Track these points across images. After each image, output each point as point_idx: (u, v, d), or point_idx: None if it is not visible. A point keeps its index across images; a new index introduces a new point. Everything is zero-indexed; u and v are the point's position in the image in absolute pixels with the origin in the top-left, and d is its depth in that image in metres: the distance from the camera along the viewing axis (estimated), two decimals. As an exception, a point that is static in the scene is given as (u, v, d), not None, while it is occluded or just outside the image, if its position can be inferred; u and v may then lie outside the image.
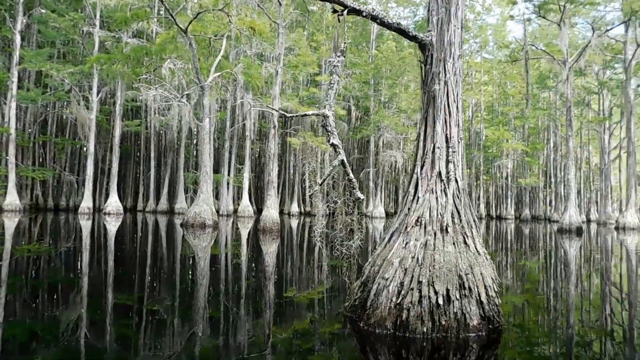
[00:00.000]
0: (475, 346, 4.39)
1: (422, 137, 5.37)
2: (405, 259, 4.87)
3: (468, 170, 52.04)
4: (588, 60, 26.28)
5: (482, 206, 50.25)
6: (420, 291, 4.66)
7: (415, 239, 4.96)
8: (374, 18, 5.12)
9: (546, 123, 49.75)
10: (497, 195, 54.95)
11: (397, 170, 47.71)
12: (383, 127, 41.75)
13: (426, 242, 4.92)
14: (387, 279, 4.84)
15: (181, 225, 20.11)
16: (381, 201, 43.62)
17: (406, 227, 5.10)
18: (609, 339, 5.11)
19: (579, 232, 25.36)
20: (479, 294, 4.74)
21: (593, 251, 15.76)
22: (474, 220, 5.22)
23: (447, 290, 4.65)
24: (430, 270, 4.74)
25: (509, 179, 50.76)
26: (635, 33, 26.31)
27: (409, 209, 5.24)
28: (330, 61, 4.99)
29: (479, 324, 4.64)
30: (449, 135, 5.24)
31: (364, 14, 5.07)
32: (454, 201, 5.11)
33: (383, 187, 45.21)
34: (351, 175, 5.04)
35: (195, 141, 43.90)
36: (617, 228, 32.07)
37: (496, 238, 20.62)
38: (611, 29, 27.11)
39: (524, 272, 10.25)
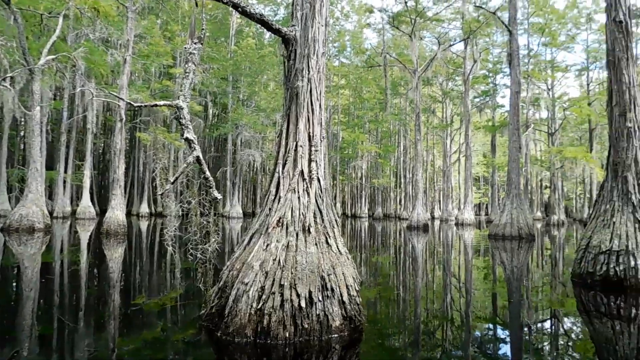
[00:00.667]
0: (337, 347, 4.44)
1: (284, 135, 5.30)
2: (267, 261, 4.75)
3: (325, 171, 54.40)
4: (434, 71, 29.39)
5: (338, 205, 52.99)
6: (282, 295, 4.56)
7: (277, 241, 4.87)
8: (236, 6, 4.89)
9: (397, 127, 54.37)
10: (352, 195, 58.43)
11: (255, 170, 47.85)
12: (241, 125, 41.45)
13: (288, 243, 4.85)
14: (247, 284, 4.65)
15: (1, 229, 17.38)
16: (239, 201, 43.29)
17: (267, 228, 4.97)
18: (450, 324, 5.63)
19: (425, 228, 28.10)
20: (341, 294, 4.82)
21: (436, 245, 17.57)
22: (335, 220, 5.32)
23: (310, 292, 4.64)
24: (292, 273, 4.68)
25: (363, 179, 54.28)
26: (472, 50, 30.19)
27: (270, 209, 5.12)
28: (186, 48, 4.64)
29: (342, 325, 4.72)
30: (311, 134, 5.25)
31: (225, 0, 4.82)
32: (316, 201, 5.14)
33: (241, 186, 44.91)
34: (207, 173, 4.75)
35: (22, 133, 38.58)
36: (456, 224, 36.36)
37: (352, 236, 21.83)
38: (454, 44, 30.74)
39: (378, 267, 10.93)
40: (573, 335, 5.49)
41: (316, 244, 4.93)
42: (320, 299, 4.67)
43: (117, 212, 18.22)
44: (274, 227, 4.93)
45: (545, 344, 5.10)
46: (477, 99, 43.88)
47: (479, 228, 33.04)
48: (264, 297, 4.56)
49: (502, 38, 38.42)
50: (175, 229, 4.71)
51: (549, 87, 38.43)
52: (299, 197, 5.07)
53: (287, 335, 4.42)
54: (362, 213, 53.82)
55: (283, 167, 5.20)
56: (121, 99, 4.47)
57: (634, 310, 6.68)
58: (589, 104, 34.12)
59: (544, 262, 13.09)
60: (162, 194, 4.52)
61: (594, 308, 6.92)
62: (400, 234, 24.26)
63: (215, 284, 5.18)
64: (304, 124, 5.22)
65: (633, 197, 8.22)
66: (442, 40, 29.43)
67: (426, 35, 37.22)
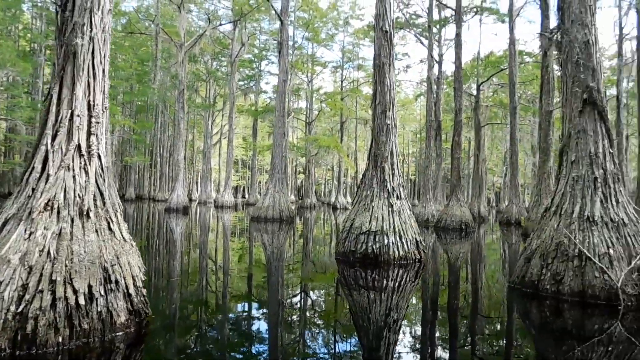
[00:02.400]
0: (121, 346, 4.07)
1: (54, 101, 4.52)
2: (30, 253, 4.00)
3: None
4: (202, 48, 29.02)
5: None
6: (53, 293, 3.93)
7: (45, 228, 4.15)
8: None
9: (155, 102, 51.88)
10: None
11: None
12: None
13: (61, 230, 4.19)
14: (0, 283, 3.85)
15: None
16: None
17: (30, 213, 4.19)
18: (206, 307, 5.81)
19: (185, 210, 27.80)
20: (126, 287, 4.42)
21: (203, 228, 17.63)
22: (118, 204, 4.84)
23: (90, 286, 4.12)
24: (67, 266, 4.07)
25: (114, 156, 50.30)
26: (241, 33, 30.93)
27: (33, 189, 4.32)
28: None
29: (127, 320, 4.34)
30: (92, 102, 4.62)
31: None
32: (96, 181, 4.57)
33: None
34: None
35: None
36: (216, 206, 37.05)
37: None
38: (224, 24, 30.92)
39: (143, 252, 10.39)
40: (333, 306, 6.28)
41: (97, 231, 4.40)
42: (103, 293, 4.21)
43: None
44: (40, 212, 4.18)
45: (312, 315, 5.71)
46: (242, 82, 45.28)
47: (237, 210, 34.46)
48: (27, 297, 3.84)
49: (270, 26, 40.56)
50: None
51: (309, 79, 42.40)
52: (74, 176, 4.42)
53: (60, 340, 3.85)
54: (112, 194, 49.81)
55: (53, 140, 4.44)
56: None
57: (385, 281, 8.02)
58: (342, 99, 38.98)
59: (308, 243, 14.51)
60: None
61: (353, 281, 8.06)
62: (158, 217, 23.44)
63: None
64: (83, 90, 4.56)
65: (388, 184, 9.82)
66: (211, 17, 29.31)
67: (194, 10, 36.49)
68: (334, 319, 5.71)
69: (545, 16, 17.89)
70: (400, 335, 5.02)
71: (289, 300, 6.58)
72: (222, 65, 43.21)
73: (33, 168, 4.40)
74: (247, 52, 39.58)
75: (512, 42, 25.50)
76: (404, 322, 5.62)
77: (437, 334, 5.22)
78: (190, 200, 51.64)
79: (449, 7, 23.81)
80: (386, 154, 10.02)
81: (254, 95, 44.20)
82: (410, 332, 5.23)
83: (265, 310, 5.90)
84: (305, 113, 42.70)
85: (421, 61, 39.88)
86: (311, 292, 7.33)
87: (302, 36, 39.33)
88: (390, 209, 9.84)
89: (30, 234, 4.10)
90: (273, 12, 35.95)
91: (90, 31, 4.60)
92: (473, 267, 10.79)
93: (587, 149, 7.10)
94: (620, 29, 26.25)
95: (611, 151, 7.16)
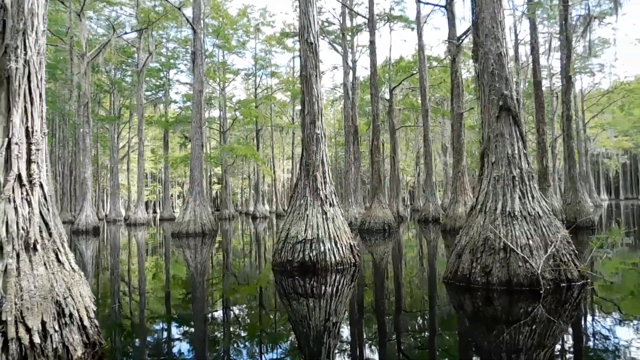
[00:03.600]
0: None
1: (-12, 129, 4.32)
2: (-24, 294, 3.81)
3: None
4: (106, 58, 27.77)
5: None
6: (4, 334, 3.77)
7: (-10, 265, 3.96)
8: None
9: (52, 115, 48.63)
10: None
11: None
12: None
13: (6, 267, 4.02)
14: (-54, 329, 3.63)
15: None
16: None
17: (-29, 251, 3.98)
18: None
19: (96, 231, 26.38)
20: (80, 319, 4.31)
21: (111, 249, 16.89)
22: (64, 233, 4.69)
23: (44, 322, 3.98)
24: (17, 304, 3.91)
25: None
26: (147, 42, 29.99)
27: (-29, 225, 4.10)
28: None
29: (84, 354, 4.23)
30: (30, 129, 4.46)
31: None
32: (40, 211, 4.41)
33: None
34: None
35: None
36: (128, 224, 35.48)
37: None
38: (130, 32, 29.76)
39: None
40: (275, 315, 6.48)
41: (45, 264, 4.25)
42: (57, 328, 4.08)
43: None
44: (-18, 249, 3.98)
45: (258, 325, 5.87)
46: (149, 93, 43.77)
47: (151, 226, 33.30)
48: (-25, 342, 3.67)
49: (177, 33, 39.62)
50: None
51: (222, 87, 41.93)
52: (16, 208, 4.23)
53: (18, 382, 3.70)
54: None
55: (-11, 171, 4.24)
56: None
57: (323, 287, 8.31)
58: (257, 107, 39.00)
59: (240, 255, 14.46)
60: None
61: (292, 290, 8.27)
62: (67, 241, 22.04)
63: None
64: (20, 116, 4.38)
65: (321, 192, 10.16)
66: (115, 25, 28.13)
67: (93, 17, 34.75)
68: (278, 327, 5.89)
69: (451, 25, 19.31)
70: (350, 337, 5.33)
71: (235, 313, 6.66)
72: (127, 75, 41.53)
73: (-32, 202, 4.17)
74: (154, 61, 38.40)
75: (421, 48, 27.12)
76: (349, 324, 5.95)
77: (382, 332, 5.59)
78: (99, 219, 48.88)
79: (361, 15, 24.86)
80: (317, 162, 10.36)
81: (164, 106, 42.89)
82: (357, 333, 5.55)
83: (210, 326, 5.95)
84: (219, 122, 42.15)
85: (335, 67, 41.04)
86: (254, 304, 7.45)
87: (213, 44, 38.89)
88: (324, 217, 10.18)
89: (-28, 273, 3.89)
90: (181, 19, 35.32)
91: (25, 54, 4.44)
92: (405, 265, 11.42)
93: (505, 151, 7.91)
94: (516, 35, 28.92)
95: (525, 152, 8.03)
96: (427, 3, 22.34)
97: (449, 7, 19.74)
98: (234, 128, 44.90)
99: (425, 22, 27.09)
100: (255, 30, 41.83)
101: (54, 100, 44.94)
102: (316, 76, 10.54)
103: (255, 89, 44.38)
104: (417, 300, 7.56)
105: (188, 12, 24.51)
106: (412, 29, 28.72)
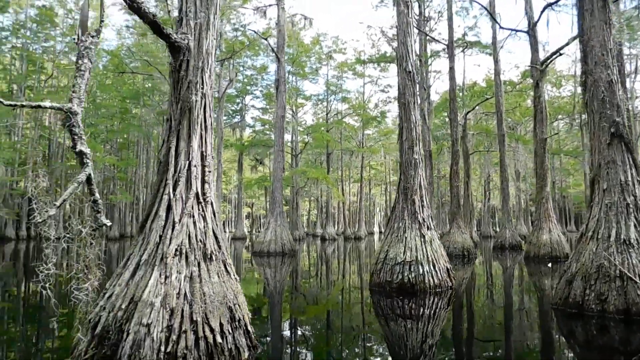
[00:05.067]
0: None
1: (172, 153, 4.93)
2: (169, 296, 4.35)
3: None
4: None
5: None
6: (195, 332, 4.27)
7: (178, 272, 4.51)
8: (133, 0, 4.41)
9: (136, 138, 51.84)
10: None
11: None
12: None
13: (191, 274, 4.56)
14: (148, 325, 4.17)
15: None
16: None
17: (162, 258, 4.55)
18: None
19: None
20: (245, 324, 4.78)
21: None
22: (227, 246, 5.21)
23: (221, 325, 4.47)
24: (201, 307, 4.42)
25: (102, 195, 49.69)
26: (229, 70, 31.67)
27: (160, 236, 4.69)
28: (81, 42, 3.94)
29: (249, 356, 4.67)
30: (205, 153, 5.06)
31: (122, -9, 4.29)
32: (212, 226, 4.96)
33: None
34: (97, 195, 4.11)
35: None
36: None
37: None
38: (218, 61, 31.55)
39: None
40: (388, 334, 6.68)
41: (218, 273, 4.77)
42: (230, 331, 4.55)
43: None
44: (172, 257, 4.54)
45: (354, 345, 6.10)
46: (225, 117, 45.76)
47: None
48: (173, 337, 4.18)
49: (253, 62, 41.41)
50: (54, 265, 3.84)
51: (294, 112, 43.23)
52: (195, 222, 4.80)
53: (206, 376, 4.18)
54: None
55: (174, 189, 4.84)
56: (1, 101, 3.42)
57: (421, 309, 8.43)
58: (327, 131, 39.84)
59: (333, 275, 14.81)
60: (42, 222, 3.67)
61: (390, 310, 8.44)
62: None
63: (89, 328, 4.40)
64: (198, 142, 4.99)
65: (419, 215, 10.36)
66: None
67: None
68: (378, 345, 6.10)
69: (534, 50, 19.12)
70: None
71: (345, 325, 6.94)
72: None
73: (158, 215, 4.77)
74: (232, 88, 40.25)
75: (497, 73, 26.86)
76: (452, 348, 6.06)
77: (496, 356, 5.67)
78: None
79: (440, 42, 25.08)
80: (415, 187, 10.60)
81: (239, 130, 44.65)
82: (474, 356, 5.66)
83: (330, 336, 6.27)
84: (291, 146, 43.31)
85: None
86: (356, 320, 7.69)
87: (288, 71, 40.33)
88: (422, 239, 10.35)
89: (165, 278, 4.44)
90: (258, 48, 36.99)
91: (202, 88, 5.07)
92: (503, 291, 11.28)
93: (618, 177, 7.81)
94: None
95: (638, 179, 7.89)
96: (509, 29, 22.19)
97: (531, 33, 19.58)
98: (305, 151, 45.92)
99: (501, 46, 26.87)
100: (328, 57, 42.95)
101: (139, 124, 48.02)
102: (414, 103, 10.86)
103: (327, 114, 45.33)
104: (526, 327, 7.52)
105: (271, 41, 25.69)
106: (488, 54, 28.54)
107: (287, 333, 6.84)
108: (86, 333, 4.30)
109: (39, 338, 6.27)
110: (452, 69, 22.20)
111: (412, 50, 11.12)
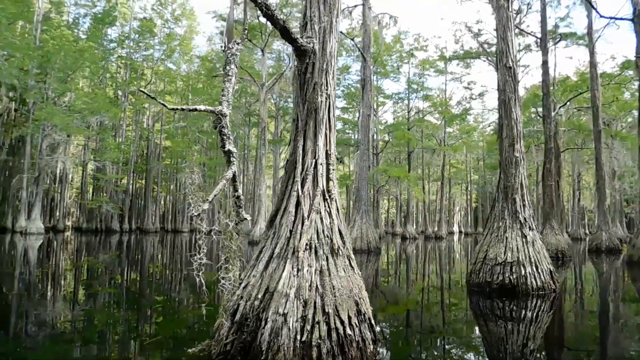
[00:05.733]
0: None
1: (300, 152, 5.12)
2: (302, 288, 4.52)
3: (143, 182, 51.13)
4: (281, 87, 30.39)
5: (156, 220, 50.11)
6: (328, 324, 4.41)
7: (309, 265, 4.67)
8: (267, 8, 4.62)
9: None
10: (176, 209, 55.71)
11: (58, 179, 42.47)
12: (48, 126, 36.33)
13: (321, 268, 4.71)
14: (285, 314, 4.36)
15: None
16: (40, 214, 37.70)
17: (293, 252, 4.73)
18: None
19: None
20: (369, 317, 4.86)
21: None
22: (350, 242, 5.32)
23: (349, 318, 4.58)
24: (332, 299, 4.56)
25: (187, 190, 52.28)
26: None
27: (290, 231, 4.88)
28: (228, 48, 4.20)
29: (374, 349, 4.75)
30: (329, 151, 5.20)
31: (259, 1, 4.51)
32: (337, 222, 5.09)
33: (41, 196, 39.23)
34: (239, 191, 4.35)
35: None
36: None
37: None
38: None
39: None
40: (479, 336, 6.45)
41: (343, 268, 4.88)
42: (357, 324, 4.64)
43: None
44: (303, 251, 4.72)
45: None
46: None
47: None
48: (307, 327, 4.34)
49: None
50: (205, 255, 4.13)
51: (375, 111, 43.12)
52: (322, 218, 4.95)
53: (338, 366, 4.29)
54: (183, 227, 51.44)
55: (302, 186, 5.01)
56: (163, 104, 3.76)
57: (523, 312, 8.08)
58: (409, 129, 39.37)
59: (424, 273, 14.66)
60: (197, 215, 3.96)
61: (490, 311, 8.17)
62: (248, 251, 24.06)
63: (223, 315, 4.68)
64: (323, 141, 5.14)
65: (520, 215, 9.97)
66: (290, 57, 30.72)
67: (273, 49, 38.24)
68: (476, 347, 5.89)
69: (640, 40, 17.67)
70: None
71: (448, 324, 6.82)
72: (289, 101, 44.68)
73: (287, 211, 4.97)
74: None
75: (593, 65, 25.17)
76: (572, 354, 5.73)
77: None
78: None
79: (531, 35, 23.90)
80: (516, 185, 10.20)
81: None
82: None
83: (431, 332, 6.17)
84: (373, 144, 43.28)
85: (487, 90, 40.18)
86: (463, 321, 7.52)
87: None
88: (524, 240, 9.94)
89: (297, 271, 4.62)
90: (342, 49, 37.23)
91: (327, 90, 5.21)
92: (612, 296, 10.58)
93: None
94: None
95: None
96: (609, 18, 20.64)
97: (636, 20, 18.09)
98: (385, 150, 45.67)
99: (599, 37, 25.14)
100: (409, 55, 42.42)
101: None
102: (515, 100, 10.45)
103: (408, 112, 44.80)
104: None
105: (355, 41, 25.77)
106: (583, 45, 26.75)
107: (396, 328, 6.86)
108: (226, 319, 4.57)
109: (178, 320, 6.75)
110: (545, 63, 21.08)
111: (512, 46, 10.71)
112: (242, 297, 4.66)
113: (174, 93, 48.95)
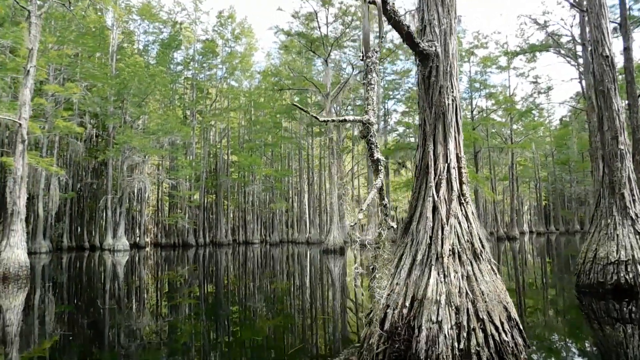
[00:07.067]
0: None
1: (431, 156, 5.02)
2: (452, 294, 4.40)
3: (214, 197, 52.73)
4: (345, 96, 30.44)
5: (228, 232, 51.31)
6: (483, 330, 4.25)
7: (455, 271, 4.55)
8: (395, 14, 4.57)
9: (287, 151, 54.92)
10: (245, 221, 56.93)
11: (137, 198, 44.60)
12: (129, 149, 38.34)
13: (467, 273, 4.57)
14: (439, 322, 4.25)
15: None
16: (125, 232, 39.74)
17: (437, 258, 4.62)
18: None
19: (342, 251, 28.38)
20: (518, 322, 4.65)
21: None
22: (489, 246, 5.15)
23: (502, 323, 4.40)
24: (483, 305, 4.40)
25: (256, 203, 53.44)
26: (378, 78, 32.05)
27: (430, 237, 4.78)
28: (369, 57, 4.18)
29: (527, 355, 4.54)
30: (459, 154, 5.07)
31: (388, 6, 4.48)
32: (475, 226, 4.93)
33: (125, 215, 41.34)
34: (386, 199, 4.29)
35: None
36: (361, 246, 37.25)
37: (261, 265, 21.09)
38: (358, 73, 32.28)
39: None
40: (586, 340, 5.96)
41: (488, 272, 4.72)
42: (509, 329, 4.46)
43: (17, 251, 15.72)
44: (447, 257, 4.59)
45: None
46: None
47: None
48: (463, 334, 4.20)
49: (393, 66, 41.40)
50: (361, 266, 4.12)
51: (438, 113, 42.33)
52: (460, 223, 4.82)
53: (499, 373, 4.12)
54: (254, 239, 52.60)
55: (437, 191, 4.90)
56: (315, 117, 3.81)
57: None
58: (474, 129, 38.24)
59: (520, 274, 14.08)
60: (352, 226, 3.95)
61: (605, 314, 7.59)
62: (315, 259, 23.24)
63: (369, 324, 4.63)
64: (454, 144, 5.02)
65: (630, 211, 9.33)
66: (353, 66, 30.80)
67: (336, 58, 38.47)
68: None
69: None
70: None
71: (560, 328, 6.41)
72: (349, 108, 44.72)
73: (423, 217, 4.87)
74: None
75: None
76: None
77: None
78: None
79: (612, 22, 22.53)
80: (624, 180, 9.58)
81: (384, 135, 44.89)
82: None
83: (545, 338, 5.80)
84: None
85: (571, 79, 38.25)
86: (580, 325, 7.06)
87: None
88: (637, 237, 9.29)
89: (444, 277, 4.50)
90: (401, 53, 36.87)
91: (452, 92, 5.08)
92: None
93: None
94: None
95: None
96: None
97: None
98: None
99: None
100: (468, 54, 41.34)
101: (291, 136, 50.83)
102: (615, 89, 9.84)
103: (472, 112, 43.59)
104: None
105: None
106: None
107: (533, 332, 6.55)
108: (374, 328, 4.52)
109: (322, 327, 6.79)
110: (627, 49, 19.79)
111: (607, 34, 10.11)
112: (388, 306, 4.59)
113: (237, 109, 50.24)
